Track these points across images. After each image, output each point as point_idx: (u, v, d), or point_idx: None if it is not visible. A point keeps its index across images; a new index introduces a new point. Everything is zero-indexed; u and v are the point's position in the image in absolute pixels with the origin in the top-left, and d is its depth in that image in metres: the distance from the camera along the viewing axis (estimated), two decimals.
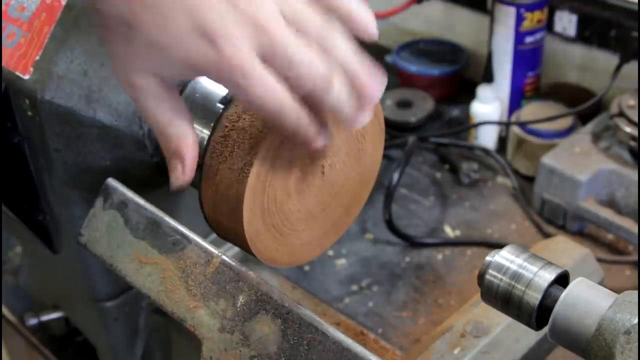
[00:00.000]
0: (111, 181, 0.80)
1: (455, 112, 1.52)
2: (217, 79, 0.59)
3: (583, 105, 1.29)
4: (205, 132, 0.75)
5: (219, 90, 0.77)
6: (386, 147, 0.90)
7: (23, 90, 0.80)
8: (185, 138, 0.64)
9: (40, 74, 0.79)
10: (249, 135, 0.68)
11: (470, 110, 1.39)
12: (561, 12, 1.38)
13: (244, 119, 0.69)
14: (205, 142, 0.72)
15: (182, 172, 0.65)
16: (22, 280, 1.25)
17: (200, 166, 0.71)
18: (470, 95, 1.39)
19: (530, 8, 1.31)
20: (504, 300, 0.61)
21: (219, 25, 0.56)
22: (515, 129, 1.33)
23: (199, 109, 0.76)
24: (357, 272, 1.18)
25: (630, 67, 1.27)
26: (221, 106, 0.75)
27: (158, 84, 0.61)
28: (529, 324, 0.60)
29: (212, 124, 0.73)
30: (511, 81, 1.38)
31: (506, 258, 0.62)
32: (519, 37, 1.33)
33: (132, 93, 0.63)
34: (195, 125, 0.74)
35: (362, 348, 0.63)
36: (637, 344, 0.53)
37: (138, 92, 0.62)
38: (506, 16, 1.32)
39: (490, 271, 0.62)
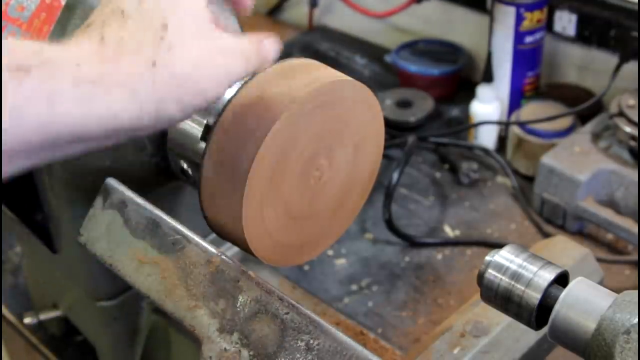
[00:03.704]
0: (111, 181, 0.80)
1: (454, 111, 1.52)
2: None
3: (583, 105, 1.28)
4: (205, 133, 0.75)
5: None
6: (386, 147, 0.90)
7: None
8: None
9: None
10: (248, 135, 0.68)
11: (469, 110, 1.39)
12: (561, 11, 1.38)
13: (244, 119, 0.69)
14: (205, 143, 0.72)
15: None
16: (21, 280, 1.25)
17: (200, 167, 0.71)
18: (470, 95, 1.39)
19: (530, 8, 1.31)
20: (504, 299, 0.61)
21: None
22: (515, 129, 1.33)
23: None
24: (357, 272, 1.18)
25: (630, 67, 1.27)
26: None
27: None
28: (528, 324, 0.60)
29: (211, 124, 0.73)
30: (511, 81, 1.38)
31: (506, 258, 0.62)
32: (519, 36, 1.33)
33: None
34: (194, 125, 0.75)
35: (362, 348, 0.63)
36: (636, 343, 0.53)
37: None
38: (506, 16, 1.32)
39: (490, 271, 0.62)
